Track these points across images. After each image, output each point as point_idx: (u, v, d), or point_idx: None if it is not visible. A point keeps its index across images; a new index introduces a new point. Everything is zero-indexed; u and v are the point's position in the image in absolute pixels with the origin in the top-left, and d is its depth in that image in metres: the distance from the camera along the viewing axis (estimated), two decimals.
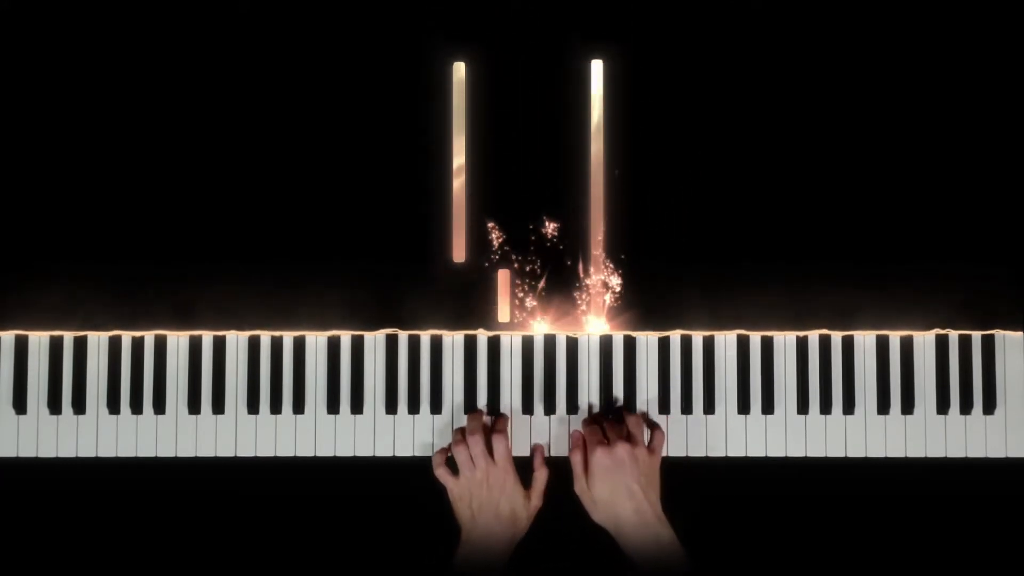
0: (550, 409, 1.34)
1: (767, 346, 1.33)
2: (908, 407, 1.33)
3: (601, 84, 1.34)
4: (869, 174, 1.33)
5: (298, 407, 1.34)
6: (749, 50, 1.34)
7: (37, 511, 1.40)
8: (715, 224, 1.33)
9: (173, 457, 1.33)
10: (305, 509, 1.40)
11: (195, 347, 1.34)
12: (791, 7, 1.34)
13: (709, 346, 1.34)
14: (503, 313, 1.33)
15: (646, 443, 1.28)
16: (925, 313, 1.32)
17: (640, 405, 1.34)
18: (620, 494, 1.23)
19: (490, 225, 1.33)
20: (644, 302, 1.33)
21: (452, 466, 1.29)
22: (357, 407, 1.34)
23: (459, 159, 1.34)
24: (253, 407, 1.33)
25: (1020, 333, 1.33)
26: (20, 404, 1.33)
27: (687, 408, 1.33)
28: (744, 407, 1.33)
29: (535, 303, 1.33)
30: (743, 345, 1.34)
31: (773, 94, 1.34)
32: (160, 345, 1.33)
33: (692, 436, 1.34)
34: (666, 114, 1.34)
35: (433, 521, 1.32)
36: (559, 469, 1.31)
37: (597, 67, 1.34)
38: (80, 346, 1.33)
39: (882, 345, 1.33)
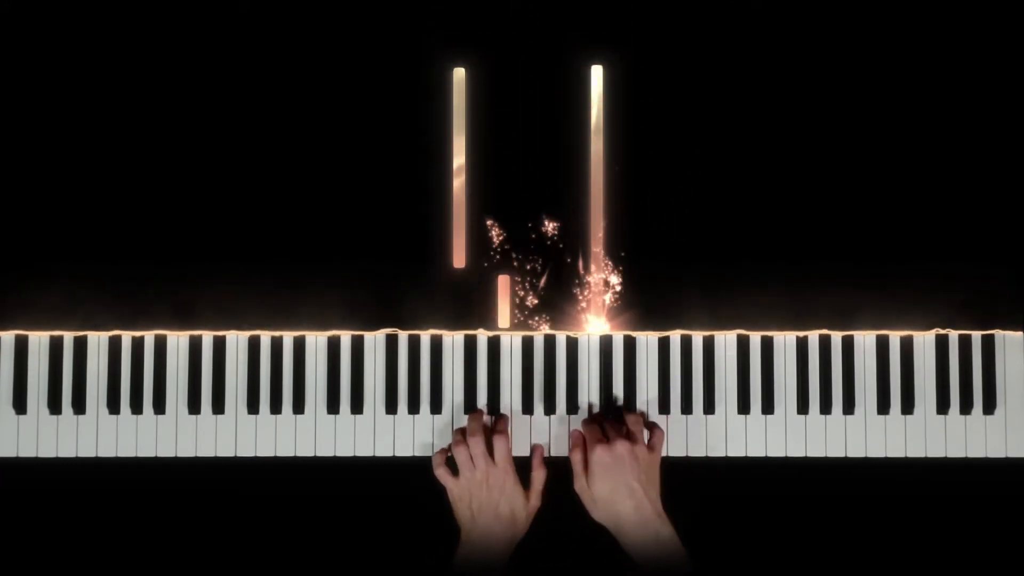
0: (550, 409, 1.34)
1: (767, 346, 1.33)
2: (908, 407, 1.33)
3: (600, 86, 1.34)
4: (869, 174, 1.33)
5: (298, 407, 1.34)
6: (749, 51, 1.34)
7: (37, 511, 1.40)
8: (715, 224, 1.33)
9: (173, 457, 1.33)
10: (305, 509, 1.40)
11: (195, 347, 1.34)
12: (789, 10, 1.34)
13: (709, 346, 1.34)
14: (503, 319, 1.33)
15: (645, 441, 1.28)
16: (925, 313, 1.32)
17: (640, 405, 1.34)
18: (620, 492, 1.23)
19: (490, 224, 1.33)
20: (644, 302, 1.33)
21: (452, 466, 1.29)
22: (357, 407, 1.34)
23: (459, 159, 1.34)
24: (253, 407, 1.33)
25: (1020, 333, 1.33)
26: (20, 404, 1.33)
27: (687, 408, 1.33)
28: (744, 407, 1.33)
29: (535, 302, 1.33)
30: (743, 345, 1.34)
31: (773, 95, 1.34)
32: (160, 345, 1.33)
33: (692, 436, 1.34)
34: (666, 114, 1.34)
35: (433, 521, 1.32)
36: (559, 469, 1.31)
37: (597, 71, 1.34)
38: (80, 346, 1.33)
39: (882, 345, 1.33)
